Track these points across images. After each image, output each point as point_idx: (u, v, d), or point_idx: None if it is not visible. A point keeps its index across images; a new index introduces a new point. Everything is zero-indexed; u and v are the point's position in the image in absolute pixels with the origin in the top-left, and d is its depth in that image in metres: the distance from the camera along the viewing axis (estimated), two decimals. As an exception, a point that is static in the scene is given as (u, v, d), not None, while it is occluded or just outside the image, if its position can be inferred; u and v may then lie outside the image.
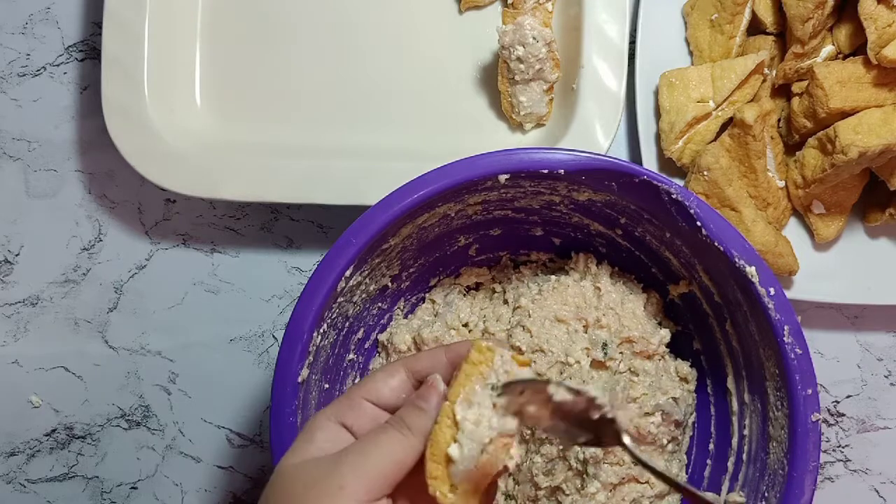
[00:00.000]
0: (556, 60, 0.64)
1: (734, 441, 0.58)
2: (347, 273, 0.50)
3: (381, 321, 0.62)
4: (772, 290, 0.51)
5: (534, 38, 0.61)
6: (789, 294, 0.64)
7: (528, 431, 0.58)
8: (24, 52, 0.70)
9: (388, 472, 0.38)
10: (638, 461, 0.39)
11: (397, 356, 0.60)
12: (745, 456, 0.56)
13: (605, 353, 0.58)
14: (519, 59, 0.62)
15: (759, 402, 0.55)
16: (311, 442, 0.40)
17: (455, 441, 0.38)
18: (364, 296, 0.57)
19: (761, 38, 0.66)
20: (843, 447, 0.70)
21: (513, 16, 0.66)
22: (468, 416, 0.38)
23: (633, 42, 0.66)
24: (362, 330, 0.60)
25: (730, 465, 0.57)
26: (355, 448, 0.38)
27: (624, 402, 0.57)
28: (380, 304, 0.60)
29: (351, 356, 0.59)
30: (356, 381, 0.61)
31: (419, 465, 0.39)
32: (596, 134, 0.63)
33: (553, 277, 0.61)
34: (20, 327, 0.69)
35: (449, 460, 0.38)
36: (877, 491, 0.70)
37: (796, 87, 0.65)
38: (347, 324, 0.57)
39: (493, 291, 0.64)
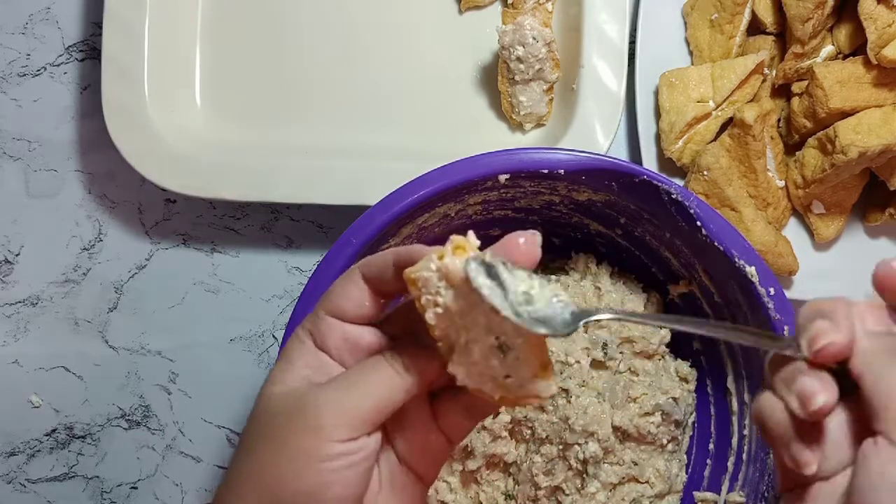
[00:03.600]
0: (555, 60, 0.64)
1: (734, 441, 0.58)
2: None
3: (381, 321, 0.62)
4: (772, 290, 0.51)
5: (534, 38, 0.61)
6: (789, 294, 0.64)
7: (529, 431, 0.58)
8: (24, 52, 0.70)
9: (373, 411, 0.34)
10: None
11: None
12: (745, 456, 0.56)
13: (605, 353, 0.58)
14: (519, 59, 0.62)
15: (759, 402, 0.55)
16: (290, 368, 0.37)
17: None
18: (364, 296, 0.57)
19: (761, 38, 0.66)
20: (843, 447, 0.70)
21: (513, 16, 0.66)
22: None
23: (633, 42, 0.66)
24: (362, 330, 0.59)
25: (730, 465, 0.57)
26: (340, 383, 0.35)
27: (624, 402, 0.57)
28: (380, 304, 0.60)
29: (351, 356, 0.59)
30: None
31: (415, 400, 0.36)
32: (596, 134, 0.63)
33: (553, 277, 0.61)
34: (20, 327, 0.69)
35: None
36: (877, 491, 0.70)
37: (796, 87, 0.65)
38: (347, 324, 0.57)
39: (493, 291, 0.64)
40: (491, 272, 0.36)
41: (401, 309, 0.38)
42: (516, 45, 0.62)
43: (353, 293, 0.37)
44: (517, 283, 0.38)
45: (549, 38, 0.62)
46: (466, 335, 0.34)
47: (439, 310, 0.34)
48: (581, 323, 0.37)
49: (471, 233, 0.35)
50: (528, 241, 0.35)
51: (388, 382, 0.35)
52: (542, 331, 0.36)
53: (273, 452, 0.35)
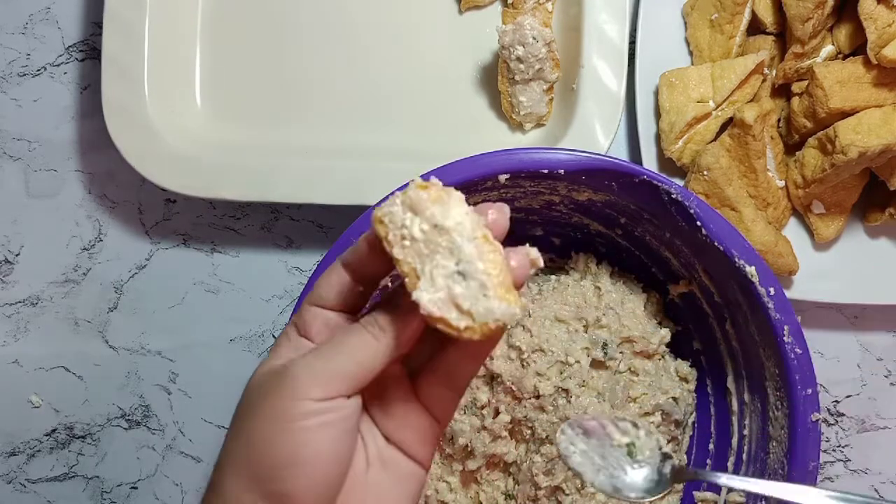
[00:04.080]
0: (555, 60, 0.64)
1: (734, 441, 0.58)
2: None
3: (381, 321, 0.62)
4: (772, 290, 0.51)
5: (534, 38, 0.61)
6: (789, 294, 0.64)
7: (529, 431, 0.58)
8: (25, 52, 0.70)
9: (349, 372, 0.35)
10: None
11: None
12: (745, 456, 0.56)
13: (605, 353, 0.58)
14: (519, 59, 0.62)
15: (759, 402, 0.55)
16: (274, 357, 0.38)
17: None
18: (364, 296, 0.57)
19: (761, 38, 0.66)
20: (843, 447, 0.70)
21: (513, 16, 0.66)
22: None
23: (633, 42, 0.66)
24: (362, 330, 0.59)
25: (730, 465, 0.57)
26: (317, 350, 0.36)
27: (624, 402, 0.57)
28: (380, 304, 0.60)
29: (351, 356, 0.59)
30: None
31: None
32: (596, 134, 0.63)
33: (553, 277, 0.61)
34: (20, 327, 0.69)
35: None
36: (877, 491, 0.70)
37: (796, 87, 0.65)
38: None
39: (493, 291, 0.64)
40: (589, 431, 0.43)
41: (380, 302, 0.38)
42: (516, 45, 0.62)
43: (333, 279, 0.38)
44: (622, 436, 0.44)
45: (549, 38, 0.62)
46: (431, 264, 0.36)
47: (406, 242, 0.36)
48: (677, 483, 0.43)
49: (434, 178, 0.37)
50: (496, 210, 0.37)
51: (365, 343, 0.35)
52: (632, 496, 0.41)
53: (251, 424, 0.35)
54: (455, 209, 0.37)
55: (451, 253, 0.36)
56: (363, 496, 0.36)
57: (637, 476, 0.44)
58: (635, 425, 0.46)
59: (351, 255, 0.38)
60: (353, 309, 0.38)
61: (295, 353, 0.37)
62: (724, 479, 0.45)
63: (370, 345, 0.35)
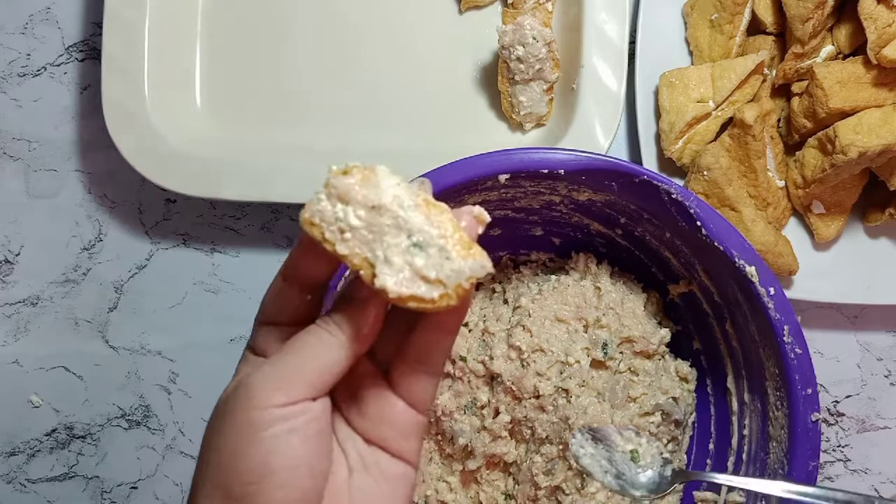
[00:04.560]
0: (555, 60, 0.64)
1: (734, 441, 0.58)
2: (347, 273, 0.50)
3: (381, 321, 0.62)
4: (772, 290, 0.51)
5: (534, 38, 0.61)
6: (789, 294, 0.64)
7: (529, 431, 0.58)
8: (25, 52, 0.70)
9: (311, 374, 0.33)
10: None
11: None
12: (745, 456, 0.56)
13: (605, 353, 0.58)
14: (519, 59, 0.62)
15: (759, 402, 0.55)
16: (235, 379, 0.37)
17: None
18: (364, 296, 0.57)
19: (761, 38, 0.66)
20: (843, 447, 0.70)
21: (513, 16, 0.66)
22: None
23: (633, 42, 0.66)
24: (362, 330, 0.59)
25: (730, 465, 0.57)
26: (274, 357, 0.35)
27: (624, 402, 0.57)
28: (380, 304, 0.60)
29: (351, 356, 0.59)
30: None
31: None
32: (596, 134, 0.63)
33: (553, 277, 0.61)
34: (20, 327, 0.69)
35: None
36: (877, 491, 0.70)
37: (796, 87, 0.65)
38: (347, 324, 0.57)
39: (493, 291, 0.64)
40: (597, 436, 0.48)
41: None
42: (516, 45, 0.62)
43: (278, 295, 0.37)
44: (625, 442, 0.49)
45: (549, 38, 0.62)
46: (382, 247, 0.34)
47: (347, 235, 0.34)
48: (678, 483, 0.48)
49: (351, 162, 0.36)
50: (474, 216, 0.35)
51: (322, 342, 0.34)
52: (637, 494, 0.45)
53: (218, 441, 0.34)
54: (385, 183, 0.36)
55: (400, 228, 0.35)
56: (345, 497, 0.35)
57: (640, 478, 0.48)
58: (637, 433, 0.50)
59: (289, 265, 0.36)
60: (308, 320, 0.36)
61: (253, 370, 0.35)
62: (721, 479, 0.48)
63: (328, 343, 0.34)
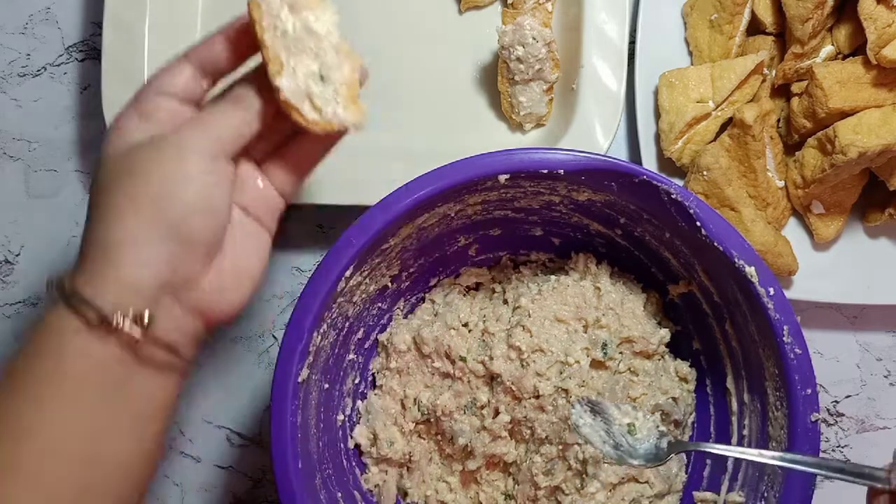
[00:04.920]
0: (555, 60, 0.64)
1: (734, 441, 0.58)
2: (347, 273, 0.50)
3: (381, 321, 0.62)
4: (771, 290, 0.51)
5: (533, 39, 0.61)
6: (789, 294, 0.64)
7: (529, 431, 0.58)
8: (25, 52, 0.70)
9: (228, 137, 0.42)
10: None
11: (397, 356, 0.60)
12: (744, 456, 0.56)
13: (605, 353, 0.58)
14: (519, 59, 0.62)
15: (759, 402, 0.55)
16: (124, 132, 0.42)
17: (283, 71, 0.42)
18: (364, 296, 0.57)
19: (761, 38, 0.66)
20: (842, 447, 0.70)
21: (513, 16, 0.66)
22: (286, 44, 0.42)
23: (633, 42, 0.66)
24: (362, 330, 0.60)
25: (729, 465, 0.57)
26: (195, 121, 0.42)
27: (623, 402, 0.57)
28: (380, 305, 0.60)
29: (351, 356, 0.59)
30: (356, 381, 0.61)
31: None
32: (596, 134, 0.63)
33: (553, 277, 0.61)
34: (20, 327, 0.69)
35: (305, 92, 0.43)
36: (876, 491, 0.70)
37: (796, 87, 0.65)
38: (347, 324, 0.57)
39: (493, 291, 0.64)
40: (595, 409, 0.51)
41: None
42: (516, 45, 0.62)
43: (179, 72, 0.43)
44: (622, 416, 0.51)
45: (548, 38, 0.62)
46: (296, 60, 0.42)
47: (277, 33, 0.42)
48: (674, 454, 0.50)
49: None
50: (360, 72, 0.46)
51: (239, 114, 0.43)
52: (635, 463, 0.49)
53: (146, 182, 0.41)
54: (327, 17, 0.43)
55: (317, 56, 0.43)
56: (231, 247, 0.45)
57: (638, 448, 0.51)
58: (634, 408, 0.52)
59: (204, 50, 0.43)
60: (195, 102, 0.44)
61: (151, 132, 0.42)
62: (718, 449, 0.50)
63: (242, 116, 0.43)
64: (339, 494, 0.55)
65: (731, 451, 0.49)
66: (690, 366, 0.61)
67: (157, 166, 0.41)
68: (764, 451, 0.47)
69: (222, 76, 0.45)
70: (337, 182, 0.63)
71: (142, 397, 0.42)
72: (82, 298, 0.39)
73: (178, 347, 0.42)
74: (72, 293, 0.40)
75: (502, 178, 0.52)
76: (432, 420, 0.60)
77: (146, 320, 0.40)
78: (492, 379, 0.59)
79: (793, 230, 0.67)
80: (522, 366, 0.57)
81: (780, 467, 0.50)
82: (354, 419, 0.61)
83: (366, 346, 0.61)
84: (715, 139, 0.65)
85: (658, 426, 0.51)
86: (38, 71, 0.70)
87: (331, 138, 0.46)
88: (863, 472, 0.42)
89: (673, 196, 0.51)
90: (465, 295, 0.64)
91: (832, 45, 0.64)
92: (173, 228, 0.41)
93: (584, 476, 0.56)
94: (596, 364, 0.58)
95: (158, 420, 0.43)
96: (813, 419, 0.50)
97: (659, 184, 0.51)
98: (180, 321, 0.43)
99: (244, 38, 0.43)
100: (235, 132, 0.42)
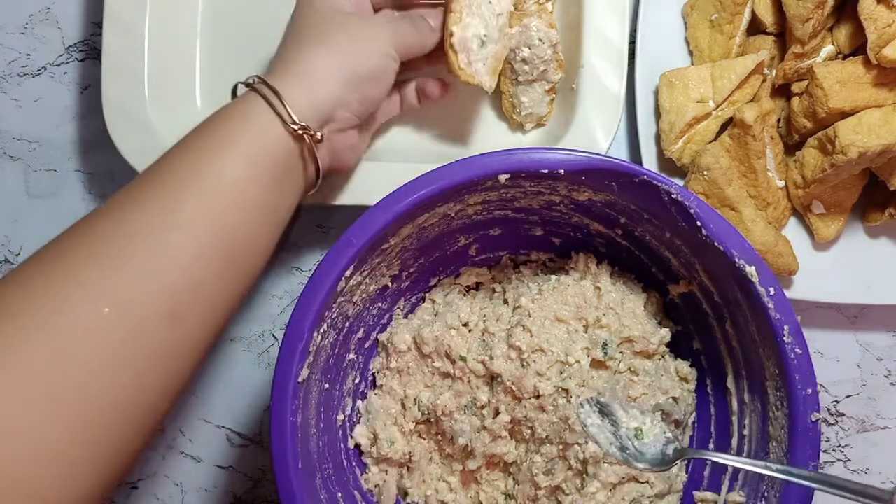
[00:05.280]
0: (559, 61, 0.64)
1: (734, 441, 0.58)
2: (347, 273, 0.50)
3: (382, 321, 0.62)
4: (771, 290, 0.51)
5: (540, 40, 0.61)
6: (789, 294, 0.64)
7: (529, 431, 0.58)
8: (25, 52, 0.70)
9: (412, 46, 0.57)
10: None
11: (397, 356, 0.60)
12: (744, 456, 0.56)
13: (605, 353, 0.58)
14: (524, 61, 0.62)
15: (759, 402, 0.55)
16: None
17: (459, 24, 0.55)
18: (364, 296, 0.57)
19: (761, 38, 0.66)
20: (843, 447, 0.70)
21: (518, 18, 0.65)
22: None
23: (633, 42, 0.66)
24: (362, 330, 0.60)
25: (730, 465, 0.57)
26: (398, 22, 0.57)
27: (623, 402, 0.57)
28: (380, 304, 0.60)
29: (351, 356, 0.59)
30: (356, 381, 0.61)
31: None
32: (596, 134, 0.63)
33: (553, 277, 0.61)
34: (20, 327, 0.69)
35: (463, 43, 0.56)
36: (877, 491, 0.70)
37: (796, 87, 0.65)
38: (347, 324, 0.57)
39: (493, 291, 0.64)
40: (604, 410, 0.52)
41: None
42: (522, 47, 0.62)
43: None
44: (630, 420, 0.52)
45: (554, 39, 0.62)
46: (470, 20, 0.55)
47: None
48: (680, 460, 0.51)
49: None
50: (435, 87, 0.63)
51: (427, 33, 0.57)
52: (640, 466, 0.50)
53: (351, 43, 0.54)
54: (506, 3, 0.58)
55: (486, 25, 0.56)
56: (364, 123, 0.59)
57: (644, 452, 0.51)
58: (642, 412, 0.53)
59: None
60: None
61: (353, 9, 0.56)
62: (725, 459, 0.51)
63: (420, 38, 0.57)
64: (339, 494, 0.55)
65: (736, 462, 0.49)
66: (691, 366, 0.61)
67: (362, 37, 0.54)
68: (770, 464, 0.47)
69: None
70: (337, 182, 0.63)
71: (292, 189, 0.53)
72: (282, 98, 0.51)
73: (319, 167, 0.54)
74: (275, 92, 0.51)
75: (502, 177, 0.52)
76: (432, 420, 0.60)
77: (318, 135, 0.52)
78: (492, 379, 0.59)
79: (793, 230, 0.67)
80: (523, 366, 0.57)
81: (783, 480, 0.50)
82: (354, 419, 0.61)
83: (366, 345, 0.61)
84: (715, 139, 0.65)
85: (665, 432, 0.52)
86: (38, 71, 0.70)
87: (447, 91, 0.63)
88: (866, 492, 0.41)
89: (673, 196, 0.51)
90: (465, 295, 0.64)
91: (832, 44, 0.64)
92: (356, 81, 0.54)
93: (584, 476, 0.56)
94: (596, 364, 0.58)
95: (286, 219, 0.53)
96: (813, 419, 0.50)
97: (659, 184, 0.51)
98: (323, 151, 0.54)
99: None
100: (413, 45, 0.57)
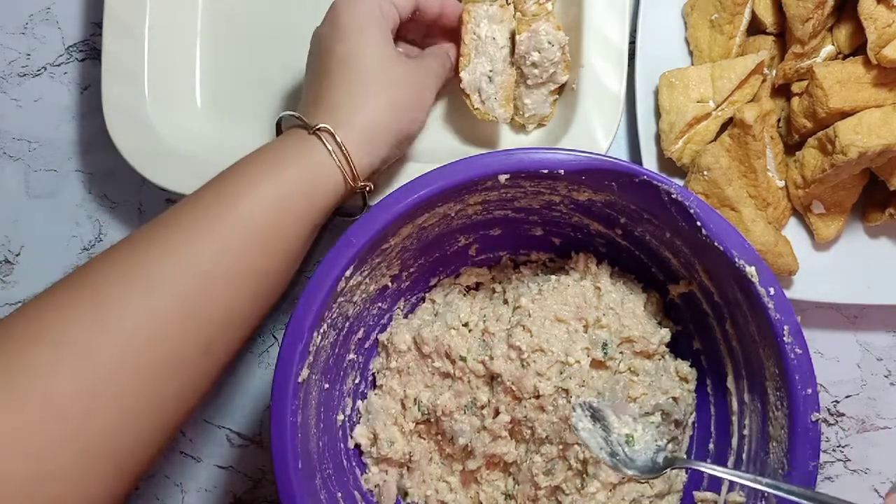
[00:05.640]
0: (567, 62, 0.63)
1: (734, 441, 0.58)
2: (347, 273, 0.50)
3: (382, 321, 0.62)
4: (771, 290, 0.51)
5: (549, 43, 0.61)
6: (789, 294, 0.64)
7: (529, 431, 0.58)
8: (25, 52, 0.70)
9: (440, 77, 0.61)
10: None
11: (397, 356, 0.60)
12: (745, 456, 0.56)
13: (605, 353, 0.58)
14: (534, 65, 0.62)
15: (759, 402, 0.55)
16: (383, 19, 0.56)
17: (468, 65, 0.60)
18: (364, 296, 0.57)
19: (761, 38, 0.66)
20: (843, 447, 0.70)
21: (528, 23, 0.65)
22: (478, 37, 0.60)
23: (633, 42, 0.66)
24: (362, 330, 0.60)
25: (730, 464, 0.57)
26: (433, 70, 0.60)
27: (623, 402, 0.57)
28: (380, 304, 0.60)
29: (351, 356, 0.59)
30: (356, 381, 0.61)
31: None
32: (596, 134, 0.63)
33: (553, 277, 0.61)
34: (20, 327, 0.69)
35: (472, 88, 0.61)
36: (877, 491, 0.70)
37: (796, 87, 0.65)
38: (347, 324, 0.57)
39: (493, 291, 0.64)
40: (596, 415, 0.52)
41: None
42: (532, 52, 0.61)
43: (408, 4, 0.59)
44: (622, 426, 0.53)
45: (563, 41, 0.62)
46: (478, 59, 0.60)
47: (474, 36, 0.60)
48: (670, 469, 0.51)
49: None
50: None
51: (450, 68, 0.62)
52: (629, 473, 0.50)
53: (409, 97, 0.57)
54: (506, 33, 0.61)
55: (492, 62, 0.60)
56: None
57: (634, 459, 0.51)
58: (635, 419, 0.53)
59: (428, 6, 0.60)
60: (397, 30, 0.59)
61: (389, 38, 0.57)
62: (716, 471, 0.50)
63: (446, 68, 0.62)
64: (339, 494, 0.55)
65: (726, 474, 0.50)
66: (691, 366, 0.61)
67: (416, 87, 0.57)
68: (759, 478, 0.47)
69: (419, 30, 0.64)
70: (337, 182, 0.63)
71: (323, 210, 0.53)
72: (349, 157, 0.52)
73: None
74: (342, 148, 0.52)
75: (502, 178, 0.52)
76: (432, 420, 0.60)
77: (369, 188, 0.55)
78: (492, 379, 0.59)
79: (793, 230, 0.67)
80: (522, 366, 0.57)
81: (775, 496, 0.50)
82: (354, 419, 0.61)
83: (366, 345, 0.61)
84: (715, 139, 0.65)
85: (657, 440, 0.52)
86: (38, 71, 0.70)
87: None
88: None
89: (673, 196, 0.51)
90: (465, 295, 0.64)
91: (832, 44, 0.64)
92: (406, 141, 0.58)
93: (584, 476, 0.56)
94: (596, 364, 0.58)
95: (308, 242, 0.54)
96: (813, 419, 0.50)
97: (659, 184, 0.51)
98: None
99: (439, 23, 0.62)
100: (443, 79, 0.61)
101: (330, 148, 0.52)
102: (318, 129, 0.52)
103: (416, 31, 0.64)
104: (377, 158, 0.54)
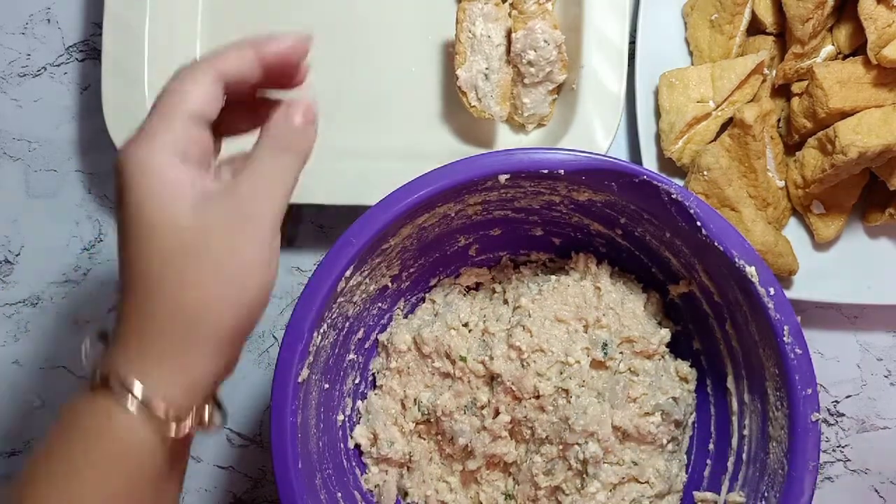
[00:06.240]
0: (564, 61, 0.63)
1: (734, 441, 0.58)
2: (347, 273, 0.50)
3: (382, 321, 0.62)
4: (771, 290, 0.51)
5: (545, 42, 0.61)
6: (789, 294, 0.64)
7: (529, 431, 0.58)
8: (25, 52, 0.70)
9: (288, 194, 0.41)
10: None
11: (397, 356, 0.60)
12: (744, 456, 0.56)
13: (605, 353, 0.58)
14: (530, 63, 0.62)
15: (759, 402, 0.55)
16: (186, 161, 0.38)
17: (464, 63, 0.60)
18: (364, 296, 0.57)
19: (761, 38, 0.66)
20: (842, 447, 0.70)
21: (523, 21, 0.65)
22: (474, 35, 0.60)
23: (633, 42, 0.66)
24: (362, 330, 0.60)
25: (730, 464, 0.57)
26: (255, 183, 0.40)
27: (624, 402, 0.57)
28: (380, 304, 0.60)
29: (351, 356, 0.59)
30: (356, 381, 0.61)
31: None
32: (596, 134, 0.63)
33: (553, 277, 0.61)
34: (20, 327, 0.69)
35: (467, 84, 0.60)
36: (877, 491, 0.70)
37: (796, 87, 0.65)
38: (347, 324, 0.57)
39: (493, 291, 0.64)
40: None
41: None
42: (528, 50, 0.61)
43: (212, 92, 0.39)
44: None
45: (559, 40, 0.62)
46: (473, 57, 0.59)
47: (469, 34, 0.59)
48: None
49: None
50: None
51: (291, 168, 0.42)
52: None
53: (232, 283, 0.40)
54: (502, 31, 0.60)
55: (487, 59, 0.60)
56: None
57: None
58: None
59: (235, 73, 0.39)
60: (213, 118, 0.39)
61: (201, 184, 0.38)
62: None
63: (293, 165, 0.42)
64: (339, 494, 0.55)
65: None
66: (691, 366, 0.61)
67: (246, 266, 0.39)
68: None
69: (241, 100, 0.43)
70: (337, 182, 0.63)
71: (163, 482, 0.40)
72: (149, 399, 0.36)
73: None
74: (125, 381, 0.36)
75: (502, 178, 0.51)
76: (432, 420, 0.60)
77: (208, 420, 0.40)
78: (492, 379, 0.59)
79: (793, 230, 0.67)
80: (523, 366, 0.57)
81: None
82: (354, 419, 0.61)
83: (366, 346, 0.61)
84: (715, 139, 0.65)
85: None
86: (38, 71, 0.70)
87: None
88: None
89: (673, 196, 0.51)
90: (465, 295, 0.64)
91: (832, 45, 0.64)
92: (241, 340, 0.42)
93: (584, 476, 0.56)
94: (596, 364, 0.58)
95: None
96: (813, 419, 0.50)
97: (659, 184, 0.51)
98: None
99: (279, 66, 0.41)
100: (291, 187, 0.43)
101: (118, 392, 0.36)
102: (100, 374, 0.37)
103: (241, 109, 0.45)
104: (200, 374, 0.39)
